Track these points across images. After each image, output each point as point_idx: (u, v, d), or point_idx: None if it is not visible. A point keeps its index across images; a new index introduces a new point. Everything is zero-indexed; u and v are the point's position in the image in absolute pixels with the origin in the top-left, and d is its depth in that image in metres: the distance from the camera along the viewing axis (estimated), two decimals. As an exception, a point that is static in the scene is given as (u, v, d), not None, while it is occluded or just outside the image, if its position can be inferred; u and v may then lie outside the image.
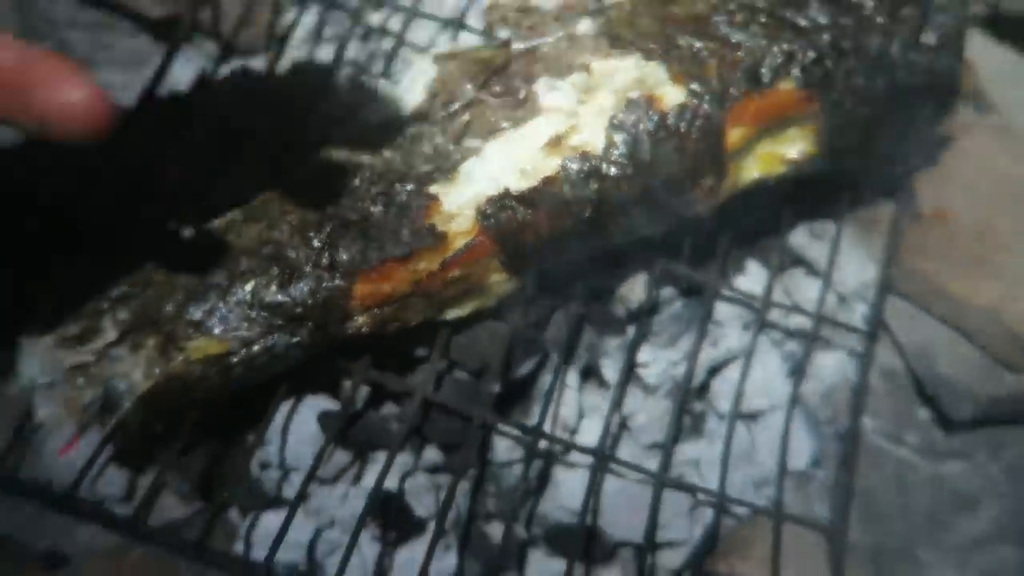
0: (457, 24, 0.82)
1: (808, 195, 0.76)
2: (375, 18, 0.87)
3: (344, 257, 0.61)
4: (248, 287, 0.61)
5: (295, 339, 0.61)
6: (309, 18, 0.86)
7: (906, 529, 0.74)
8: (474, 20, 0.83)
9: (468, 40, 0.81)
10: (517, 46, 0.65)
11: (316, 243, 0.61)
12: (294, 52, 0.85)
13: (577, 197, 0.61)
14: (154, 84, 0.78)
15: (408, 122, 0.65)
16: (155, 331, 0.61)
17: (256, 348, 0.61)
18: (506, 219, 0.61)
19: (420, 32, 0.85)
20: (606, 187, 0.62)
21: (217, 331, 0.60)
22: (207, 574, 0.63)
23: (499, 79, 0.64)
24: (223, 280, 0.61)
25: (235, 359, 0.61)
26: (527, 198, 0.61)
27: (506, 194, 0.61)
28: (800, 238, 0.80)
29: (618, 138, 0.61)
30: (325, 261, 0.61)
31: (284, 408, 0.69)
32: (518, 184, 0.61)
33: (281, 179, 0.66)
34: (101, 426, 0.60)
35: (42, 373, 0.61)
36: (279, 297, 0.61)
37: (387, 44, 0.85)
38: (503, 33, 0.67)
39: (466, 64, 0.66)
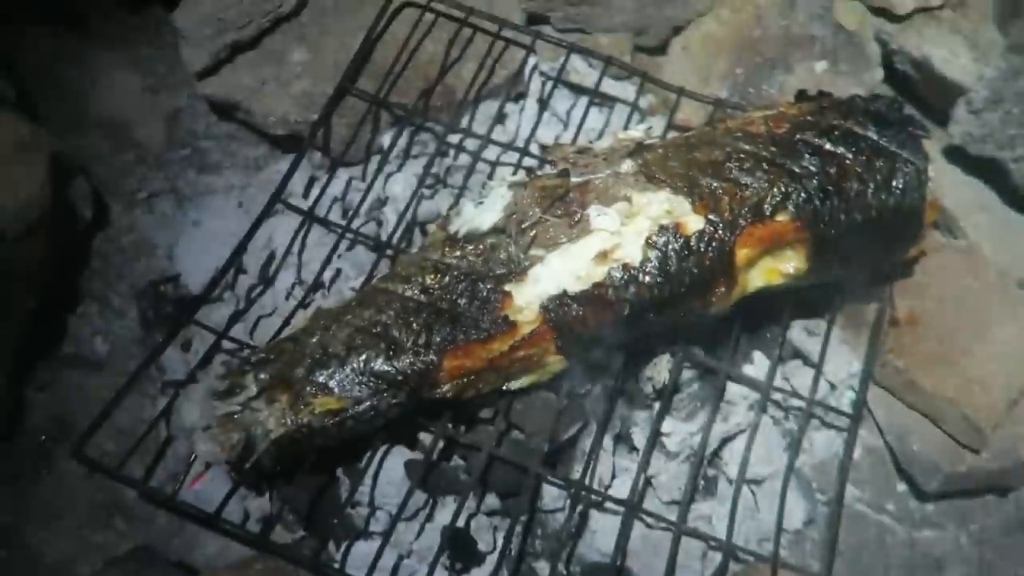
0: (522, 151, 1.01)
1: (805, 299, 0.93)
2: (455, 139, 1.07)
3: (437, 338, 0.79)
4: (362, 358, 0.79)
5: (395, 400, 0.79)
6: (402, 139, 1.05)
7: (884, 583, 0.88)
8: (535, 147, 1.02)
9: (528, 162, 1.00)
10: (574, 179, 0.84)
11: (415, 326, 0.79)
12: (389, 166, 1.04)
13: (619, 298, 0.79)
14: (280, 188, 0.97)
15: (488, 234, 0.83)
16: (287, 390, 0.78)
17: (365, 406, 0.79)
18: (563, 313, 0.79)
19: (491, 152, 1.04)
20: (642, 291, 0.79)
21: (336, 391, 0.78)
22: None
23: (559, 204, 0.83)
24: (342, 351, 0.79)
25: (348, 414, 0.78)
26: (580, 298, 0.79)
27: (564, 294, 0.79)
28: (797, 333, 0.96)
29: (652, 254, 0.79)
30: (422, 341, 0.79)
31: (376, 456, 0.86)
32: (573, 287, 0.79)
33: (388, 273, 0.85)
34: (242, 463, 0.77)
35: (200, 419, 0.79)
36: (385, 367, 0.78)
37: (464, 160, 1.05)
38: (562, 166, 0.86)
39: (533, 191, 0.84)
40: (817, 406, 0.90)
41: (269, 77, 1.05)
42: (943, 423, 0.88)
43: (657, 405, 0.91)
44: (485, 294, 0.80)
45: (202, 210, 1.09)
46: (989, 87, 0.98)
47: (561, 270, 0.80)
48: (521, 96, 1.14)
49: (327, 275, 0.98)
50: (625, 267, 0.79)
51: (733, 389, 0.93)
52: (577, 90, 1.13)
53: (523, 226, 0.83)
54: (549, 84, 1.12)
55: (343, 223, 0.97)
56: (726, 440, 0.92)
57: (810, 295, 0.93)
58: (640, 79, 1.07)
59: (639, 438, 0.90)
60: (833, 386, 0.96)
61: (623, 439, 0.91)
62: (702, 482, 0.91)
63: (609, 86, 1.13)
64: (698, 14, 1.19)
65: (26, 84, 1.05)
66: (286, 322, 0.90)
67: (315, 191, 1.03)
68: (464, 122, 1.06)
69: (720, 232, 0.80)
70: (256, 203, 1.08)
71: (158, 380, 0.97)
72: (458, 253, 0.83)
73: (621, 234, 0.81)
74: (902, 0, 1.10)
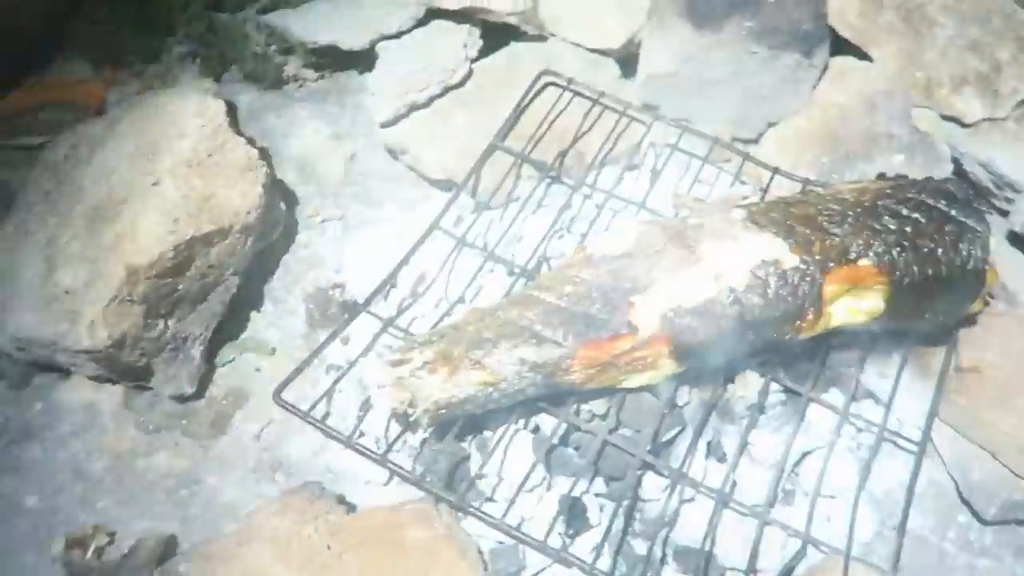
0: (640, 205, 1.22)
1: (878, 344, 1.08)
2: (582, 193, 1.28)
3: (573, 333, 0.97)
4: (511, 344, 0.97)
5: (533, 380, 0.96)
6: (538, 191, 1.27)
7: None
8: (652, 203, 1.23)
9: (643, 215, 1.20)
10: (691, 221, 1.03)
11: (555, 322, 0.98)
12: (526, 210, 1.25)
13: (725, 314, 0.96)
14: (439, 217, 1.19)
15: (619, 257, 1.02)
16: (447, 364, 0.97)
17: (509, 382, 0.96)
18: (678, 322, 0.96)
19: (611, 204, 1.25)
20: (744, 311, 0.96)
21: (488, 367, 0.96)
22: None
23: (679, 238, 1.02)
24: (494, 337, 0.98)
25: (495, 388, 0.96)
26: (693, 310, 0.96)
27: (680, 307, 0.96)
28: (870, 376, 1.11)
29: (755, 282, 0.97)
30: (560, 335, 0.97)
31: (506, 434, 1.02)
32: (689, 302, 0.97)
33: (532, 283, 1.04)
34: (407, 417, 0.95)
35: (378, 380, 0.97)
36: (527, 353, 0.96)
37: (587, 211, 1.25)
38: (682, 213, 1.05)
39: (659, 227, 1.04)
40: (887, 433, 1.04)
41: (436, 132, 1.29)
42: (1001, 456, 1.01)
43: (746, 419, 1.06)
44: (615, 302, 0.98)
45: (364, 235, 1.31)
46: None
47: (677, 288, 0.98)
48: (636, 166, 1.35)
49: (470, 291, 1.17)
50: (731, 289, 0.97)
51: (813, 413, 1.07)
52: (684, 165, 1.34)
53: (648, 253, 1.02)
54: (662, 157, 1.33)
55: (486, 251, 1.18)
56: (805, 455, 1.05)
57: (882, 341, 1.08)
58: (742, 158, 1.28)
59: (729, 447, 1.05)
60: (900, 421, 1.09)
61: (714, 447, 1.06)
62: (782, 492, 1.04)
63: (709, 168, 1.34)
64: (791, 112, 1.40)
65: (241, 127, 1.31)
66: (442, 318, 1.10)
67: (464, 225, 1.24)
68: (590, 180, 1.28)
69: (811, 269, 0.98)
70: (411, 234, 1.30)
71: (323, 365, 1.16)
72: (592, 270, 1.02)
73: (727, 264, 0.99)
74: (970, 110, 1.29)
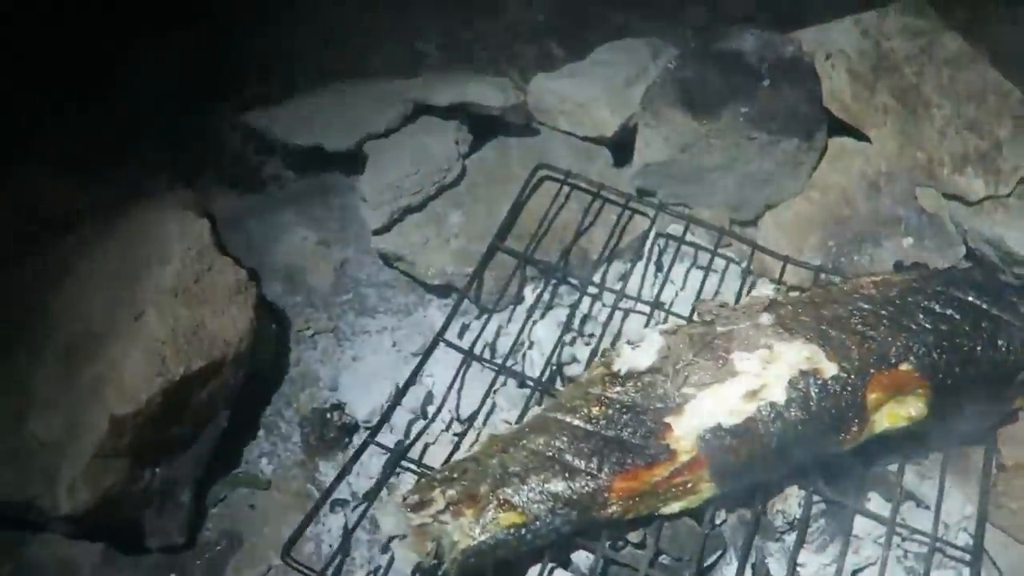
0: (652, 304, 1.16)
1: (917, 445, 1.03)
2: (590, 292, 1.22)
3: (608, 463, 0.89)
4: (540, 478, 0.89)
5: (569, 518, 0.88)
6: (544, 292, 1.21)
7: None
8: (665, 300, 1.17)
9: (658, 315, 1.15)
10: (719, 328, 0.98)
11: (586, 451, 0.90)
12: (534, 314, 1.18)
13: (767, 432, 0.90)
14: (443, 329, 1.12)
15: (645, 373, 0.96)
16: (473, 505, 0.88)
17: (542, 521, 0.88)
18: (717, 444, 0.90)
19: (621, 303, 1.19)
20: (786, 427, 0.90)
21: (518, 507, 0.88)
22: None
23: (707, 349, 0.96)
24: (521, 472, 0.90)
25: (527, 529, 0.88)
26: (733, 430, 0.90)
27: (718, 427, 0.90)
28: (911, 477, 1.05)
29: (795, 395, 0.91)
30: (594, 465, 0.89)
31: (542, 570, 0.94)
32: (727, 420, 0.90)
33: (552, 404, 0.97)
34: (433, 571, 0.86)
35: (395, 528, 0.88)
36: (560, 488, 0.88)
37: (596, 310, 1.20)
38: (707, 318, 1.00)
39: (684, 337, 0.98)
40: (940, 543, 0.98)
41: (431, 235, 1.23)
42: (1061, 563, 0.95)
43: (789, 537, 0.99)
44: (649, 424, 0.91)
45: (360, 347, 1.23)
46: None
47: (713, 406, 0.92)
48: (640, 258, 1.30)
49: (483, 408, 1.10)
50: (772, 405, 0.91)
51: (858, 525, 1.00)
52: (691, 257, 1.30)
53: (677, 367, 0.96)
54: (669, 250, 1.28)
55: (498, 362, 1.11)
56: (856, 572, 0.98)
57: (922, 442, 1.03)
58: (751, 248, 1.23)
59: (775, 568, 0.98)
60: (947, 526, 1.03)
61: (758, 568, 0.99)
62: (835, 615, 0.97)
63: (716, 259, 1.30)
64: (791, 195, 1.38)
65: (222, 237, 1.23)
66: (456, 446, 1.01)
67: (469, 334, 1.17)
68: (596, 278, 1.22)
69: (853, 377, 0.93)
70: (408, 343, 1.23)
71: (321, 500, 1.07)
72: (619, 388, 0.96)
73: (763, 376, 0.93)
74: (973, 189, 1.27)
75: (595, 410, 0.94)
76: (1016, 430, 1.04)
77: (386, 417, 1.05)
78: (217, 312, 1.01)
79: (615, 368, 0.97)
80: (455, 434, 1.08)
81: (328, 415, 1.15)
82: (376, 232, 1.22)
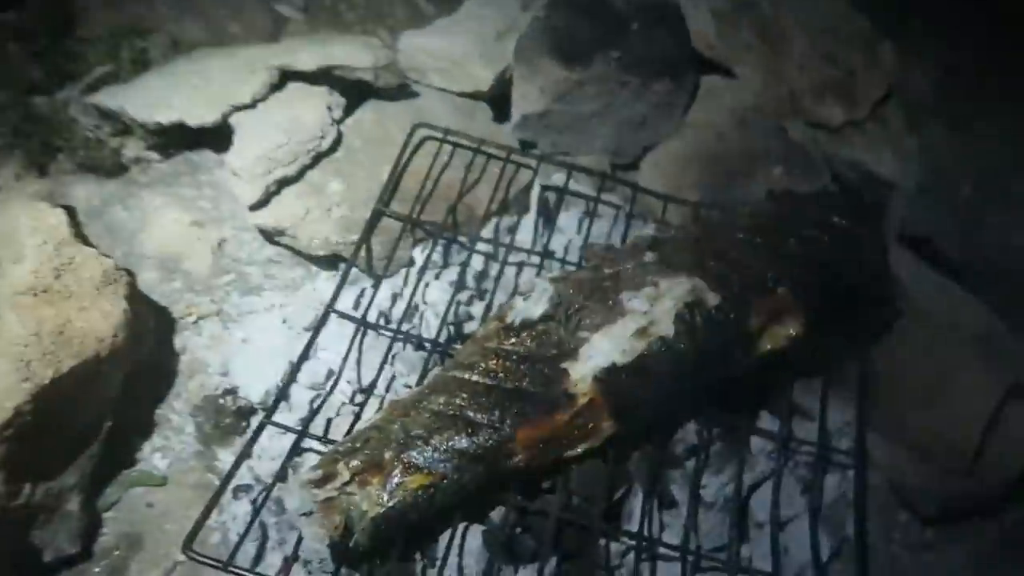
0: (542, 254, 1.17)
1: (799, 363, 1.08)
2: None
3: (509, 414, 0.90)
4: (444, 437, 0.89)
5: (475, 473, 0.89)
6: (434, 254, 1.19)
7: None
8: (555, 251, 1.18)
9: (549, 264, 1.16)
10: (607, 271, 0.99)
11: (487, 405, 0.91)
12: (425, 277, 1.17)
13: (659, 365, 0.93)
14: (333, 300, 1.09)
15: (539, 322, 0.96)
16: (378, 472, 0.87)
17: (449, 480, 0.88)
18: (612, 383, 0.92)
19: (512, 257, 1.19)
20: (676, 359, 0.93)
21: (424, 468, 0.87)
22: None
23: (597, 292, 0.98)
24: (424, 433, 0.89)
25: (435, 489, 0.88)
26: (626, 368, 0.92)
27: (612, 366, 0.92)
28: (796, 393, 1.11)
29: (681, 328, 0.94)
30: (496, 417, 0.90)
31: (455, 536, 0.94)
32: (620, 360, 0.92)
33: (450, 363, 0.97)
34: (343, 543, 0.85)
35: (302, 506, 0.86)
36: (466, 444, 0.89)
37: (494, 269, 1.19)
38: (595, 262, 1.01)
39: (573, 283, 0.99)
40: (828, 451, 1.04)
41: (312, 206, 1.19)
42: (933, 456, 1.03)
43: (690, 463, 1.03)
44: (546, 372, 0.92)
45: (248, 328, 1.18)
46: (916, 178, 1.21)
47: (607, 347, 0.93)
48: (526, 211, 1.30)
49: (383, 375, 1.08)
50: (662, 339, 0.93)
51: (753, 444, 1.06)
52: (577, 205, 1.31)
53: (568, 313, 0.97)
54: (552, 199, 1.29)
55: (393, 328, 1.09)
56: (752, 488, 1.04)
57: (803, 360, 1.08)
58: (632, 190, 1.26)
59: (678, 494, 1.02)
60: (830, 434, 1.10)
61: (663, 496, 1.02)
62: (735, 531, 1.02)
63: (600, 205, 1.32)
64: (666, 136, 1.41)
65: (86, 230, 1.15)
66: (357, 416, 1.00)
67: (363, 303, 1.15)
68: (486, 234, 1.22)
69: (734, 305, 0.96)
70: (299, 318, 1.19)
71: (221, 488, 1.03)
72: (514, 340, 0.96)
73: (651, 313, 0.96)
74: (833, 116, 1.34)
75: (492, 364, 0.94)
76: (888, 340, 1.11)
77: (282, 395, 1.02)
78: (85, 308, 0.95)
79: (508, 320, 0.97)
80: (356, 404, 1.07)
81: (221, 401, 1.10)
82: (252, 207, 1.17)
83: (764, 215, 1.08)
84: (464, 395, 0.92)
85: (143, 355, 1.08)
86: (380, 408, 1.02)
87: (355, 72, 1.27)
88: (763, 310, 0.98)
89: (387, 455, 0.88)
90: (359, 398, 1.09)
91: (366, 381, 1.09)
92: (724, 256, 1.00)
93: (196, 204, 1.25)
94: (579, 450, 0.95)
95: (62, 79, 1.41)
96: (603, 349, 0.93)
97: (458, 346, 1.09)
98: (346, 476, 0.87)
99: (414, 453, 0.88)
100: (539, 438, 0.91)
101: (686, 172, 1.36)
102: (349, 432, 0.97)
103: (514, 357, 0.94)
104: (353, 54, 1.27)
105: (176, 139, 1.30)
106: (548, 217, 1.28)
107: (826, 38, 1.36)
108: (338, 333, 1.12)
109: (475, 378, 0.94)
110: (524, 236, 1.25)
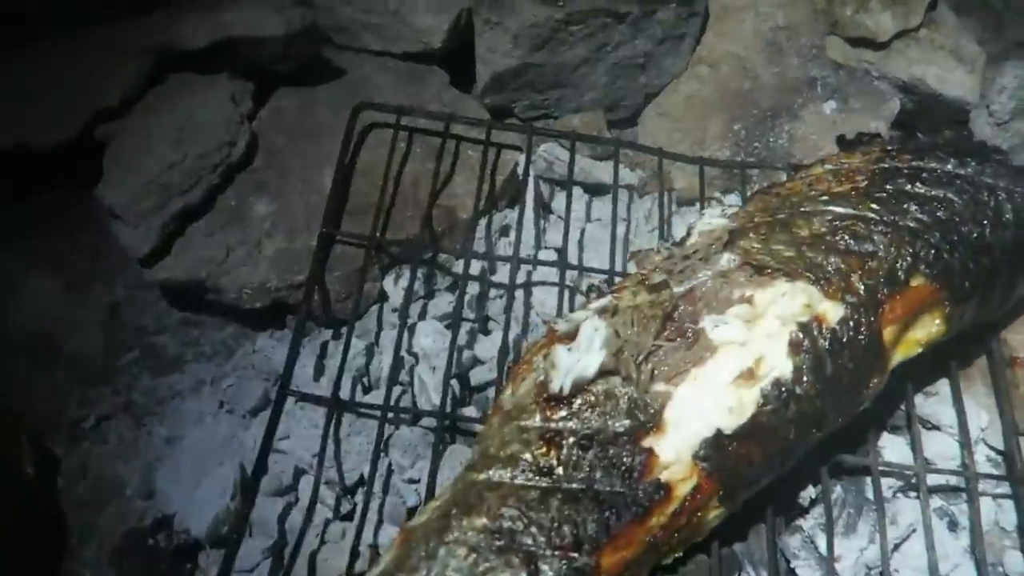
0: (562, 263, 0.86)
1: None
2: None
3: (586, 533, 0.61)
4: (497, 581, 0.59)
5: (550, 627, 0.60)
6: (406, 281, 0.87)
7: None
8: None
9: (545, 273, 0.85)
10: (676, 289, 0.70)
11: (549, 522, 0.61)
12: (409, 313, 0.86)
13: (782, 422, 0.65)
14: (286, 378, 0.77)
15: (596, 381, 0.67)
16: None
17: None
18: (722, 458, 0.63)
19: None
20: (803, 406, 0.65)
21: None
22: None
23: (670, 323, 0.68)
24: (464, 580, 0.60)
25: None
26: (739, 434, 0.64)
27: (719, 435, 0.64)
28: (917, 400, 0.85)
29: (802, 360, 0.66)
30: (566, 541, 0.61)
31: None
32: (727, 423, 0.64)
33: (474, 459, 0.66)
34: None
35: None
36: (529, 587, 0.59)
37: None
38: (657, 277, 0.71)
39: (631, 315, 0.69)
40: (980, 478, 0.78)
41: (233, 241, 0.85)
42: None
43: (805, 522, 0.77)
44: (624, 458, 0.63)
45: (173, 422, 0.86)
46: (1014, 96, 0.94)
47: (702, 405, 0.65)
48: (516, 203, 0.99)
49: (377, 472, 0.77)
50: (777, 383, 0.65)
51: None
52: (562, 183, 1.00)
53: (637, 361, 0.67)
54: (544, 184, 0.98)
55: (378, 403, 0.78)
56: (895, 547, 0.78)
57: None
58: (658, 158, 0.96)
59: (806, 571, 0.75)
60: (962, 446, 0.85)
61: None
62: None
63: (599, 169, 1.02)
64: (673, 76, 1.10)
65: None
66: (356, 542, 0.69)
67: (328, 368, 0.83)
68: (476, 245, 0.91)
69: (864, 314, 0.68)
70: (243, 396, 0.87)
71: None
72: (564, 413, 0.66)
73: (752, 344, 0.67)
74: (882, 27, 1.05)
75: (542, 454, 0.64)
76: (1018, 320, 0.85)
77: (238, 527, 0.70)
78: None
79: (554, 387, 0.67)
80: (342, 518, 0.76)
81: (151, 540, 0.78)
82: (147, 261, 0.82)
83: (855, 173, 0.79)
84: (512, 511, 0.62)
85: (19, 497, 0.75)
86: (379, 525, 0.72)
87: (262, 45, 0.92)
88: (897, 312, 0.70)
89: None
90: (345, 506, 0.78)
91: (351, 479, 0.78)
92: (832, 244, 0.72)
93: (67, 261, 0.90)
94: (680, 553, 0.67)
95: None
96: (696, 409, 0.65)
97: (469, 412, 0.79)
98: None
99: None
100: (629, 559, 0.62)
101: (707, 120, 1.07)
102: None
103: (571, 440, 0.65)
104: (257, 19, 0.92)
105: (20, 171, 0.92)
106: (548, 209, 0.98)
107: (863, -73, 1.07)
108: (301, 414, 0.81)
109: (519, 479, 0.64)
110: (525, 239, 0.94)
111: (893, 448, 0.82)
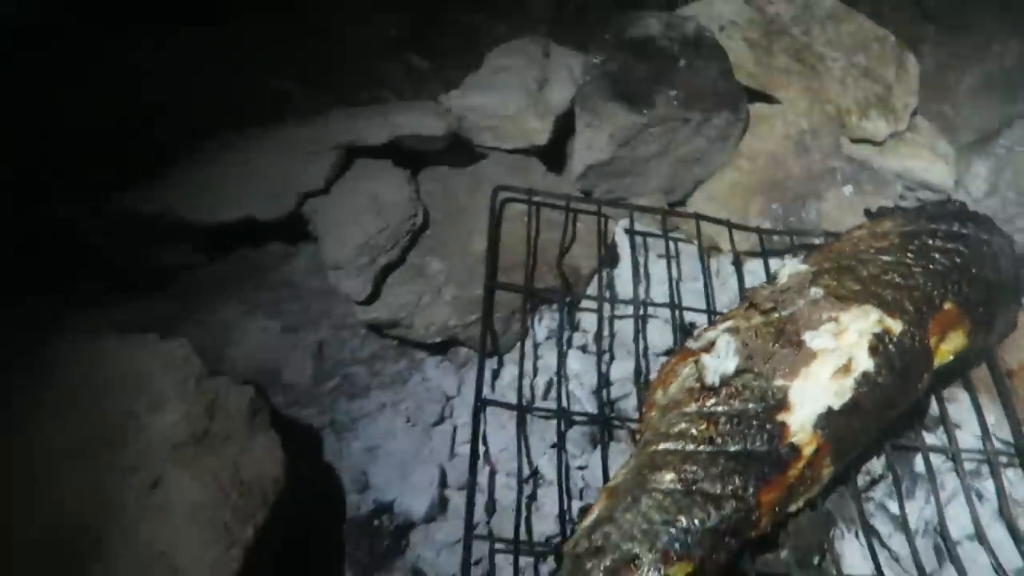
0: (673, 306, 1.12)
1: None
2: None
3: (749, 479, 0.85)
4: (690, 518, 0.82)
5: (730, 547, 0.83)
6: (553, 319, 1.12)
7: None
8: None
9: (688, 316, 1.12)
10: (783, 314, 0.97)
11: (721, 473, 0.85)
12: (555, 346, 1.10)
13: (870, 402, 0.91)
14: (479, 390, 0.99)
15: (735, 376, 0.92)
16: (634, 570, 0.80)
17: (709, 561, 0.81)
18: (834, 427, 0.89)
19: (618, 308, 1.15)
20: (882, 392, 0.92)
21: (684, 556, 0.80)
22: None
23: (782, 336, 0.95)
24: (667, 517, 0.82)
25: (697, 573, 0.81)
26: (844, 410, 0.89)
27: (830, 411, 0.89)
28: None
29: (879, 360, 0.93)
30: (737, 485, 0.84)
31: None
32: (835, 402, 0.90)
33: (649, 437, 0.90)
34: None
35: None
36: (715, 521, 0.82)
37: (615, 325, 1.14)
38: (767, 305, 0.98)
39: (752, 332, 0.95)
40: (998, 455, 1.06)
41: (423, 291, 1.09)
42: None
43: (874, 493, 1.02)
44: (768, 427, 0.88)
45: (369, 434, 1.06)
46: (986, 181, 1.27)
47: (815, 392, 0.90)
48: (615, 261, 1.26)
49: (549, 459, 1.00)
50: (865, 375, 0.92)
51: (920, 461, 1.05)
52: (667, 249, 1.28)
53: (761, 362, 0.93)
54: (640, 246, 1.26)
55: (552, 408, 1.01)
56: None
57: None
58: (727, 228, 1.24)
59: (881, 527, 1.00)
60: (977, 436, 1.12)
61: (870, 531, 1.00)
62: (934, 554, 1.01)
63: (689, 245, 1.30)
64: (718, 168, 1.41)
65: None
66: (563, 515, 0.91)
67: (500, 386, 1.06)
68: (591, 291, 1.16)
69: (915, 328, 0.96)
70: (422, 413, 1.09)
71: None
72: (714, 400, 0.91)
73: (842, 350, 0.94)
74: (879, 130, 1.39)
75: (704, 429, 0.89)
76: (1011, 338, 1.15)
77: (472, 495, 0.91)
78: (246, 447, 0.81)
79: (707, 381, 0.92)
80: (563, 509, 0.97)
81: (375, 521, 0.98)
82: (363, 302, 1.05)
83: (889, 234, 1.09)
84: (693, 468, 0.86)
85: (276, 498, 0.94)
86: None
87: (427, 141, 1.19)
88: (935, 329, 0.99)
89: (637, 549, 0.80)
90: (527, 489, 1.00)
91: (529, 469, 1.00)
92: (885, 280, 1.00)
93: (281, 308, 1.12)
94: (801, 502, 0.91)
95: (59, 187, 1.23)
96: (812, 394, 0.90)
97: (618, 417, 1.02)
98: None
99: (666, 541, 0.81)
100: (778, 499, 0.86)
101: (749, 201, 1.37)
102: (575, 526, 0.88)
103: (724, 418, 0.89)
104: (421, 121, 1.18)
105: (232, 238, 1.16)
106: (638, 264, 1.25)
107: (860, 55, 1.42)
108: (498, 426, 1.03)
109: (690, 447, 0.88)
110: (626, 287, 1.20)
111: (930, 439, 1.09)
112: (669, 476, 0.86)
